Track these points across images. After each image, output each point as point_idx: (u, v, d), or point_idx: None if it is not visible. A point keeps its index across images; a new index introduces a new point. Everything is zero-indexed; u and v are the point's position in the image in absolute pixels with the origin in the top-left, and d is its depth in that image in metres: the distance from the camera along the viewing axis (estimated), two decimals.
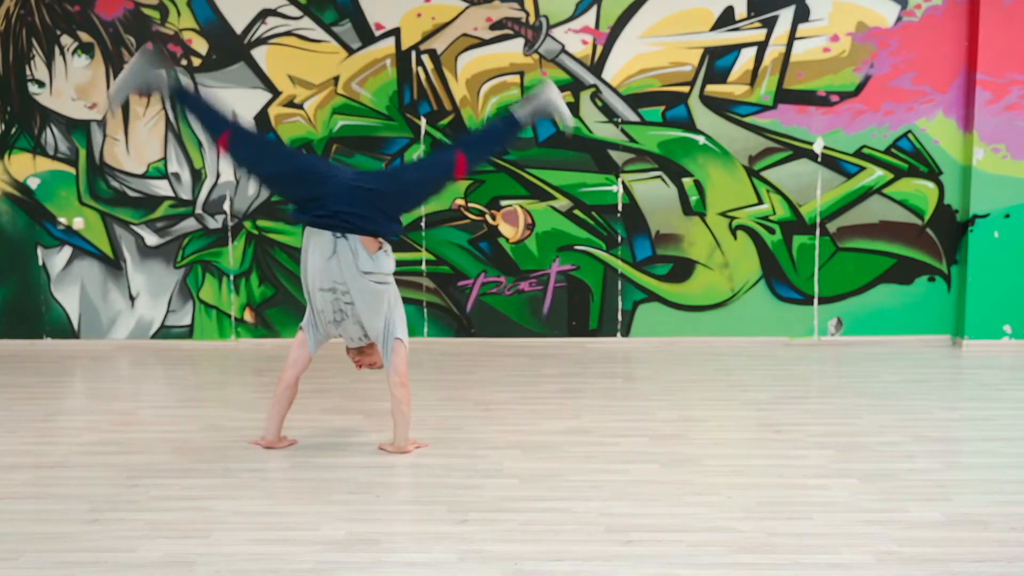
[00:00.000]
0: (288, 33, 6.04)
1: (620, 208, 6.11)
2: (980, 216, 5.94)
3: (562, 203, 6.12)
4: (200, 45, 6.06)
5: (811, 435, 4.18)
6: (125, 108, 6.15)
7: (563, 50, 5.97)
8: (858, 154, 6.01)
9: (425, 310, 6.27)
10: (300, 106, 6.10)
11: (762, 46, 5.94)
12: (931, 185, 6.03)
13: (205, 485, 3.61)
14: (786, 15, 5.91)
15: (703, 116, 6.01)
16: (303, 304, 6.24)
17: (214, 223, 6.23)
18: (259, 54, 6.06)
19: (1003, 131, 5.86)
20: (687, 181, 6.07)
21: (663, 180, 6.08)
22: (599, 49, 5.97)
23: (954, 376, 5.37)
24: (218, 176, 6.19)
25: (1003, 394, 4.91)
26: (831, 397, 4.90)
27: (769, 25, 5.93)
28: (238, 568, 2.89)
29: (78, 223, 6.26)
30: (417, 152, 6.10)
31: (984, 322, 6.01)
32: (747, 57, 5.95)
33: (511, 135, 4.15)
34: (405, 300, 6.21)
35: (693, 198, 6.08)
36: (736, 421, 4.48)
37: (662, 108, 6.01)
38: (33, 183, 6.24)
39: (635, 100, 6.01)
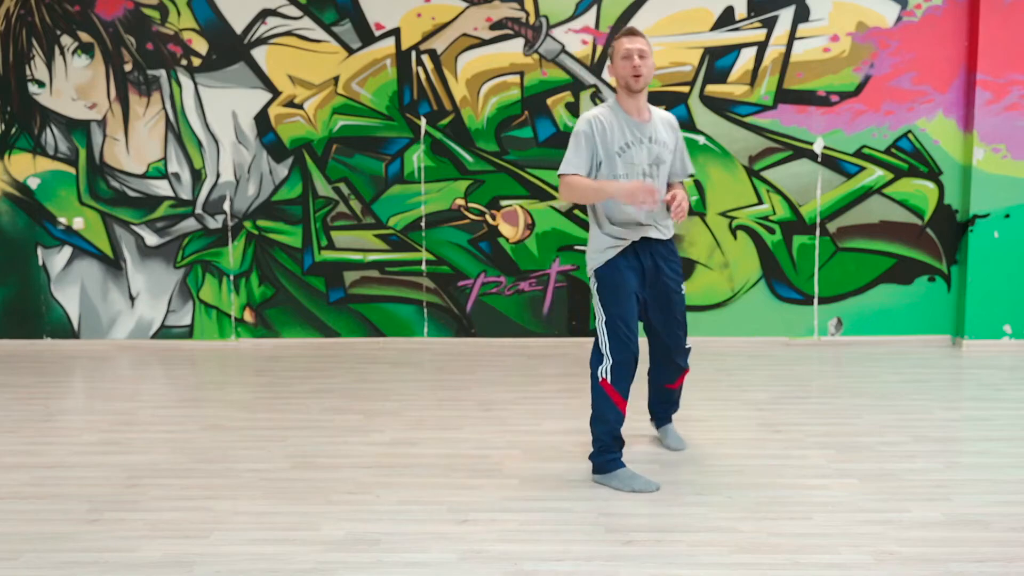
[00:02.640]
0: (288, 33, 6.04)
1: None
2: (980, 216, 5.94)
3: (562, 203, 6.12)
4: (200, 45, 6.06)
5: (811, 435, 4.18)
6: (125, 107, 6.16)
7: (563, 50, 5.97)
8: (858, 154, 6.01)
9: (425, 310, 6.27)
10: (300, 106, 6.10)
11: (762, 46, 5.94)
12: (931, 185, 6.03)
13: (205, 485, 3.62)
14: (786, 15, 5.91)
15: (703, 116, 6.01)
16: (303, 304, 6.27)
17: (214, 223, 6.24)
18: (259, 54, 6.06)
19: (1003, 131, 5.86)
20: (687, 181, 6.06)
21: None
22: (599, 49, 5.97)
23: (954, 376, 5.37)
24: (218, 176, 6.20)
25: (1003, 394, 4.91)
26: (831, 397, 4.89)
27: (769, 25, 5.93)
28: (238, 568, 2.89)
29: (78, 223, 6.26)
30: (417, 152, 6.11)
31: (984, 322, 6.01)
32: (747, 57, 5.95)
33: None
34: (405, 300, 6.27)
35: (693, 198, 6.08)
36: (736, 421, 4.48)
37: (662, 108, 5.99)
38: (33, 183, 6.25)
39: None
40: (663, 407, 4.13)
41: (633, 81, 3.55)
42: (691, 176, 4.00)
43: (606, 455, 3.65)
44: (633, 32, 3.62)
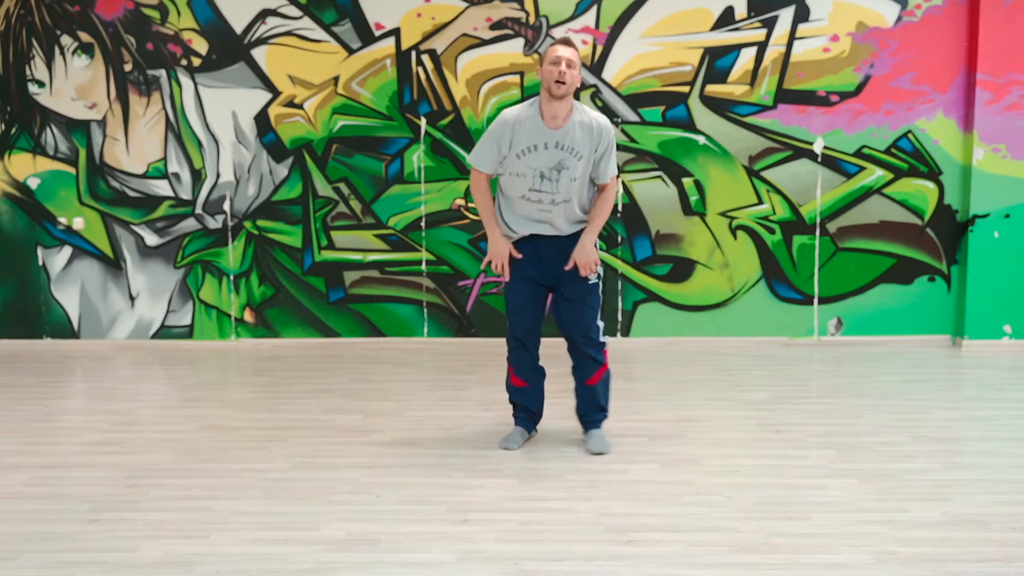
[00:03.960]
0: (288, 33, 6.04)
1: (620, 208, 6.11)
2: (980, 216, 5.94)
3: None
4: (200, 45, 6.06)
5: (811, 435, 4.18)
6: (125, 107, 6.16)
7: None
8: (858, 154, 6.01)
9: (425, 310, 6.27)
10: (300, 106, 6.10)
11: (762, 46, 5.94)
12: (931, 185, 6.04)
13: (205, 485, 3.61)
14: (786, 15, 5.91)
15: (703, 116, 6.01)
16: (303, 304, 6.27)
17: (214, 223, 6.23)
18: (259, 54, 6.06)
19: (1003, 131, 5.86)
20: (687, 181, 6.07)
21: (663, 180, 6.08)
22: (599, 49, 5.97)
23: (954, 376, 5.37)
24: (218, 176, 6.19)
25: (1003, 394, 4.91)
26: (831, 397, 4.89)
27: (769, 25, 5.93)
28: (238, 568, 2.89)
29: (78, 223, 6.26)
30: (417, 152, 6.11)
31: (984, 322, 6.01)
32: (747, 57, 5.95)
33: None
34: (405, 300, 6.27)
35: (693, 198, 6.08)
36: (736, 421, 4.48)
37: (662, 108, 6.01)
38: (33, 183, 6.25)
39: (635, 100, 6.02)
40: (588, 409, 4.05)
41: (555, 87, 3.67)
42: (614, 176, 3.92)
43: (513, 410, 4.15)
44: (567, 42, 3.76)
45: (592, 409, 4.04)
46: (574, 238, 3.88)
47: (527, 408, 4.11)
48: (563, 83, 3.66)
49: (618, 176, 3.93)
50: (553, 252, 3.88)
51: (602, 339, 3.97)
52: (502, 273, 3.93)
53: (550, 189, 3.76)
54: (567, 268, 3.84)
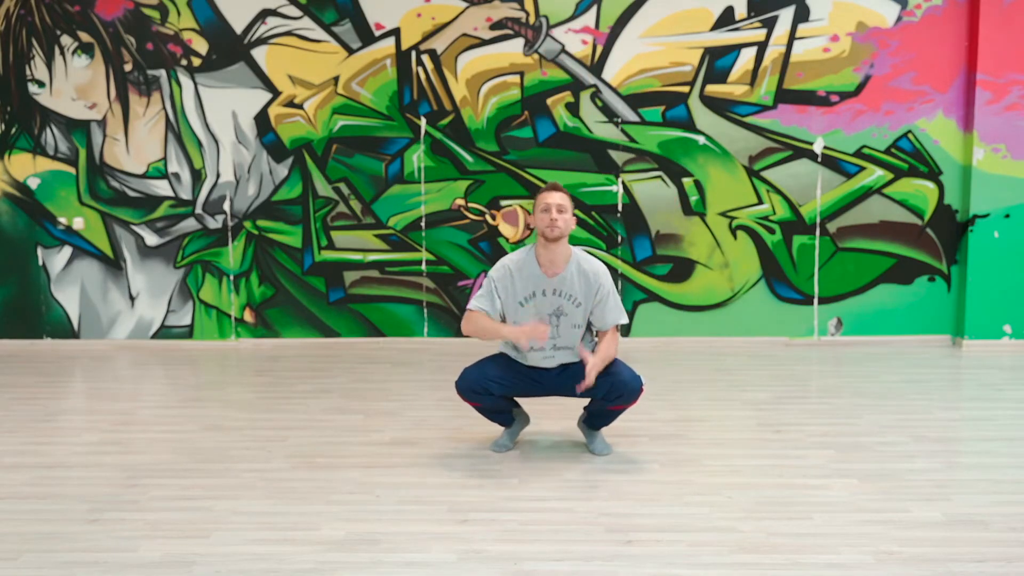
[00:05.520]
0: (288, 33, 6.04)
1: (620, 208, 6.11)
2: (980, 216, 5.94)
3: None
4: (200, 45, 6.07)
5: (811, 435, 4.18)
6: (125, 107, 6.16)
7: (563, 50, 5.97)
8: (858, 154, 6.01)
9: (425, 310, 6.27)
10: (300, 106, 6.10)
11: (762, 46, 5.94)
12: (931, 185, 6.04)
13: (205, 485, 3.61)
14: (786, 15, 5.91)
15: (703, 116, 6.01)
16: (303, 304, 6.27)
17: (214, 223, 6.24)
18: (259, 54, 6.06)
19: (1003, 131, 5.86)
20: (687, 181, 6.07)
21: (663, 180, 6.08)
22: (599, 49, 5.97)
23: (954, 376, 5.37)
24: (218, 176, 6.20)
25: (1003, 394, 4.91)
26: (831, 397, 4.89)
27: (769, 25, 5.93)
28: (238, 568, 2.88)
29: (78, 223, 6.26)
30: (417, 152, 6.11)
31: (984, 322, 6.01)
32: (747, 57, 5.96)
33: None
34: (405, 300, 6.27)
35: (693, 198, 6.08)
36: (736, 421, 4.47)
37: (662, 108, 6.01)
38: (33, 183, 6.25)
39: (635, 100, 6.02)
40: (600, 418, 3.94)
41: (548, 231, 3.71)
42: (621, 324, 3.82)
43: (487, 418, 4.01)
44: (555, 187, 3.78)
45: (604, 419, 3.94)
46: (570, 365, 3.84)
47: (496, 411, 3.95)
48: (555, 227, 3.67)
49: (619, 327, 3.81)
50: (553, 373, 3.85)
51: (643, 384, 3.80)
52: (542, 336, 3.67)
53: (552, 335, 3.78)
54: (580, 387, 3.65)
